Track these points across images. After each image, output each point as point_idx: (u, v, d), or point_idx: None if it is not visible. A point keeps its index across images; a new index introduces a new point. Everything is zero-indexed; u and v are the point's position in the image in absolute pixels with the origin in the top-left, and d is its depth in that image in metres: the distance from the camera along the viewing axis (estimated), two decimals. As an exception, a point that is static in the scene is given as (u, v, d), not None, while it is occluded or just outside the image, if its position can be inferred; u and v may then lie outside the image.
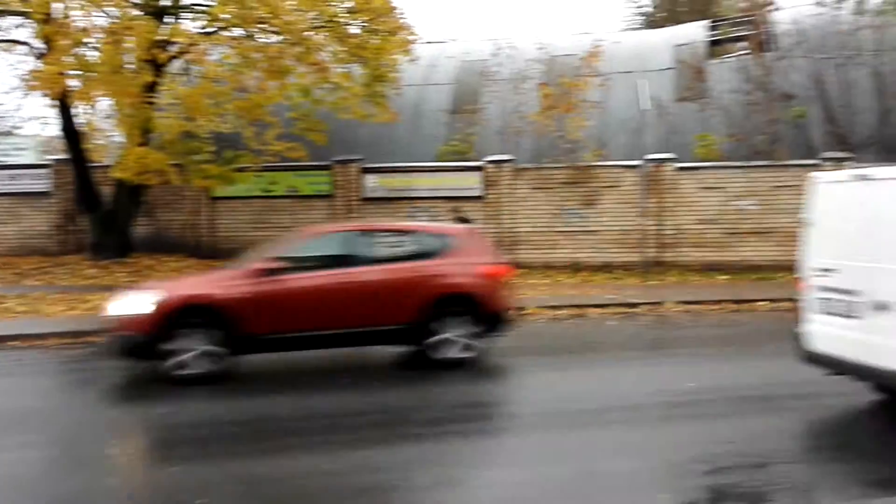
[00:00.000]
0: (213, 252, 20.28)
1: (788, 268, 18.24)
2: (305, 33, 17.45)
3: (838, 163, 18.43)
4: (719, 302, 15.53)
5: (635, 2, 42.98)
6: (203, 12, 18.39)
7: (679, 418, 8.27)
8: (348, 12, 18.74)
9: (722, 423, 8.03)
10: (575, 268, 19.45)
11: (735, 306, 15.31)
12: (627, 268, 19.25)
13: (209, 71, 17.40)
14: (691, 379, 9.72)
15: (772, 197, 18.85)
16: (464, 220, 17.82)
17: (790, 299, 15.14)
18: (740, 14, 22.74)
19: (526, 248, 19.95)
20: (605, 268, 19.40)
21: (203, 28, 18.24)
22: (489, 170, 20.23)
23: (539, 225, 20.04)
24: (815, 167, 18.55)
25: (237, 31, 17.84)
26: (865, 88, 20.30)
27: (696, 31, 23.70)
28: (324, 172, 20.85)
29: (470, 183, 20.34)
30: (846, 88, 20.30)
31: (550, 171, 19.98)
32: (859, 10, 20.22)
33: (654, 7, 38.79)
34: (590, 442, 7.49)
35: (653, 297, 16.09)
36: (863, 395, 8.56)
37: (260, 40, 17.80)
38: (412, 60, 19.71)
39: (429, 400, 9.15)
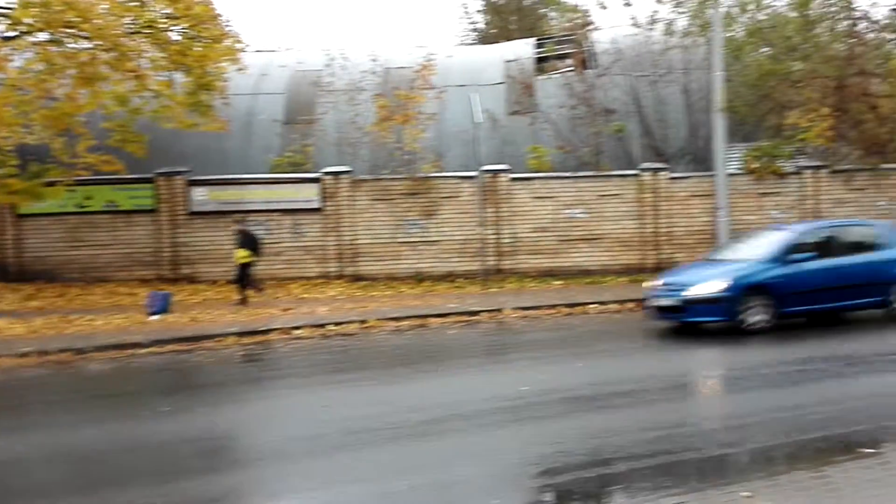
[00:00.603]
0: (20, 274, 18.86)
1: (616, 271, 19.46)
2: (121, 39, 16.52)
3: (655, 173, 19.74)
4: (554, 306, 16.13)
5: (469, 18, 44.08)
6: (3, 15, 17.03)
7: (513, 422, 8.41)
8: (168, 18, 17.99)
9: (552, 423, 8.23)
10: (418, 278, 19.59)
11: (568, 310, 15.95)
12: (469, 276, 19.60)
13: (11, 78, 16.10)
14: (525, 382, 9.91)
15: (598, 205, 19.86)
16: (245, 234, 17.42)
17: (618, 301, 16.24)
18: (564, 33, 23.81)
19: (368, 260, 19.89)
20: (448, 277, 19.68)
21: (4, 32, 16.91)
22: (327, 181, 20.03)
23: (380, 236, 20.04)
24: (634, 177, 19.80)
25: (43, 36, 16.63)
26: (677, 104, 21.82)
27: (524, 48, 24.59)
28: (146, 186, 19.85)
29: (307, 195, 20.04)
30: (660, 104, 21.75)
31: (389, 183, 20.04)
32: (669, 32, 21.70)
33: (487, 23, 39.92)
34: (427, 452, 7.46)
35: (493, 304, 16.50)
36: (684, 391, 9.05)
37: (70, 46, 16.67)
38: (240, 69, 19.18)
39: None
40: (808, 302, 12.96)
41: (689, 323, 13.10)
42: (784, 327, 12.77)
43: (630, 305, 15.98)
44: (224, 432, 8.60)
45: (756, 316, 12.66)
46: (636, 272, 19.30)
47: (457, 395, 9.57)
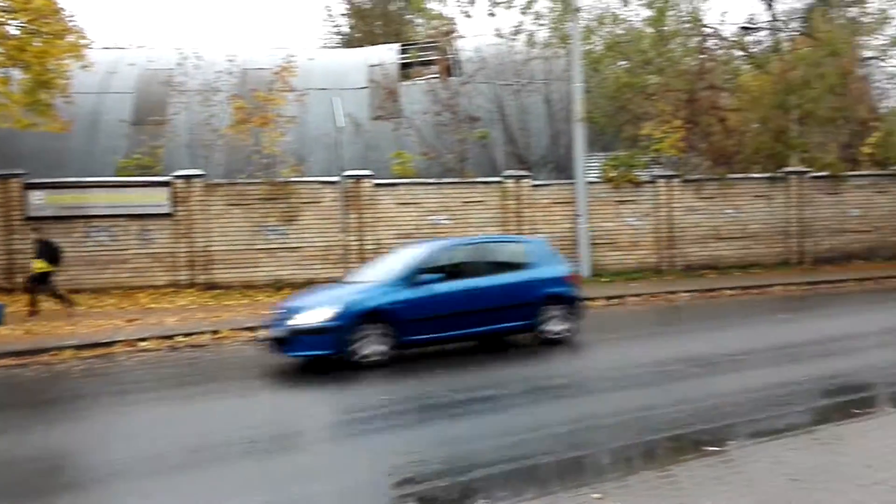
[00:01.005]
0: None
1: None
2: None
3: (518, 180, 19.87)
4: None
5: (332, 21, 43.40)
6: None
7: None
8: (4, 12, 16.56)
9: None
10: (277, 286, 18.76)
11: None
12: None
13: None
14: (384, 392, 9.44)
15: (463, 211, 19.73)
16: (44, 244, 16.19)
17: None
18: (429, 40, 23.72)
19: (223, 268, 18.89)
20: (309, 285, 18.90)
21: None
22: (178, 185, 18.89)
23: (236, 243, 19.09)
24: (498, 184, 19.84)
25: None
26: (539, 113, 22.13)
27: (389, 54, 24.32)
28: (-22, 188, 18.11)
29: (156, 199, 18.82)
30: (523, 113, 21.98)
31: (246, 187, 19.15)
32: (531, 43, 22.01)
33: (351, 28, 39.44)
34: (274, 469, 6.92)
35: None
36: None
37: None
38: (85, 66, 17.88)
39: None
40: (436, 329, 11.17)
41: (303, 356, 11.04)
42: (407, 359, 11.01)
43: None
44: (61, 451, 7.68)
45: (370, 347, 10.69)
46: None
47: (309, 409, 9.05)
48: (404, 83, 23.00)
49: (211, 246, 18.91)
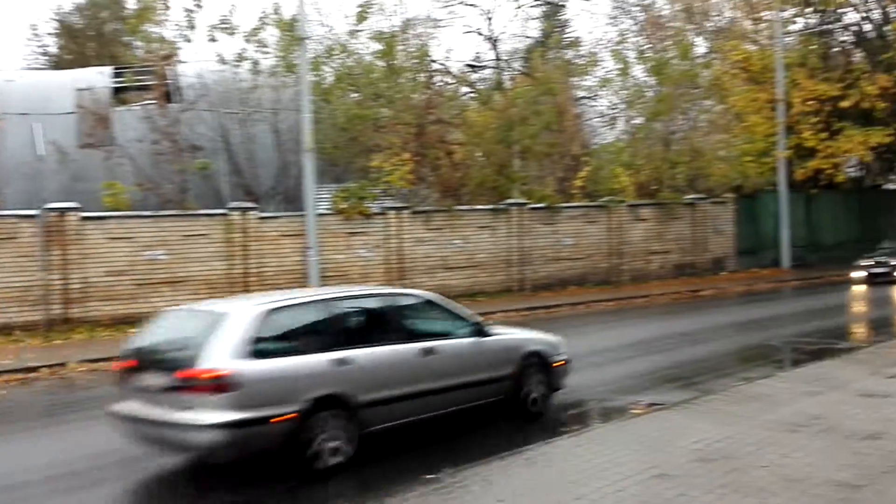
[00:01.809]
0: None
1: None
2: None
3: (244, 212, 18.97)
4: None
5: (38, 41, 39.58)
6: None
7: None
8: None
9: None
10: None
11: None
12: (29, 328, 16.76)
13: None
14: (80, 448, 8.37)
15: (183, 246, 18.40)
16: None
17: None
18: (145, 63, 22.20)
19: None
20: (4, 329, 16.62)
21: None
22: None
23: None
24: (222, 216, 18.83)
25: None
26: (267, 143, 21.45)
27: (100, 77, 22.45)
28: None
29: None
30: (249, 142, 21.19)
31: (-80, 222, 16.51)
32: (255, 70, 21.32)
33: (60, 48, 36.21)
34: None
35: (56, 357, 14.30)
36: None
37: None
38: None
39: None
40: None
41: None
42: None
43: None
44: None
45: None
46: (225, 315, 18.23)
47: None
48: (118, 109, 21.32)
49: None
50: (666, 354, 13.19)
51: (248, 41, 21.14)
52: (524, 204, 23.35)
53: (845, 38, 33.58)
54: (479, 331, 8.96)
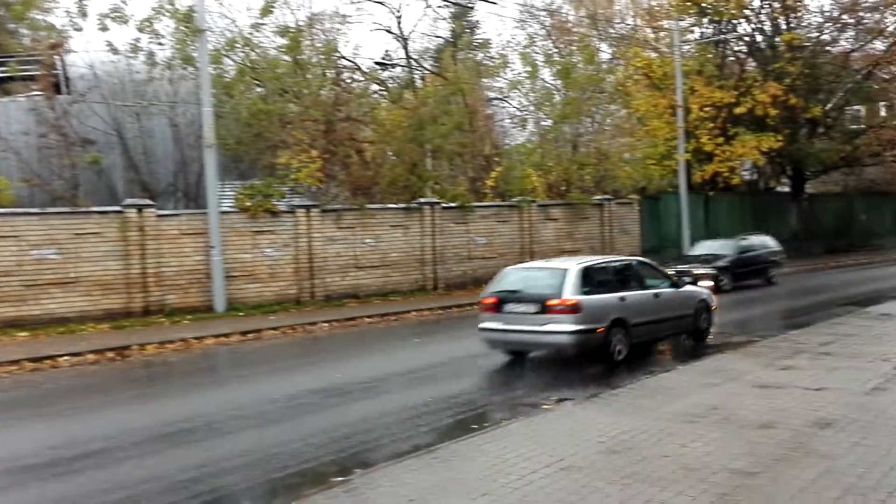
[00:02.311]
0: None
1: (98, 318, 17.01)
2: None
3: (141, 210, 17.87)
4: (17, 362, 13.27)
5: None
6: None
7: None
8: None
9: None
10: None
11: (34, 365, 13.23)
12: None
13: None
14: None
15: (75, 245, 17.15)
16: None
17: (95, 351, 14.00)
18: (31, 53, 20.76)
19: None
20: None
21: None
22: None
23: None
24: (118, 214, 17.71)
25: None
26: (165, 137, 20.41)
27: (-19, 67, 20.90)
28: None
29: None
30: (146, 136, 20.11)
31: None
32: (151, 62, 20.22)
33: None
34: None
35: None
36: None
37: None
38: None
39: None
40: None
41: None
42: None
43: (110, 354, 13.94)
44: None
45: None
46: (121, 317, 17.10)
47: None
48: (1, 100, 19.88)
49: None
50: None
51: (142, 31, 19.98)
52: (437, 203, 22.99)
53: (739, 48, 34.86)
54: (675, 284, 13.61)
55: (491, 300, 12.18)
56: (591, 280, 12.04)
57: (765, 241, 25.33)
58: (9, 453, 8.07)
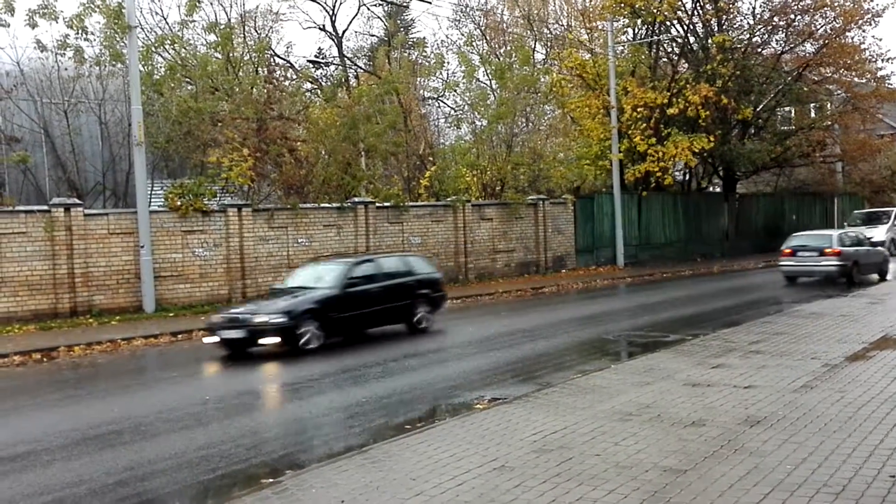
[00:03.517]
0: None
1: (24, 319, 16.71)
2: None
3: (68, 209, 17.59)
4: (-64, 366, 12.98)
5: None
6: None
7: None
8: None
9: None
10: None
11: (-45, 368, 12.96)
12: None
13: None
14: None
15: (0, 244, 16.83)
16: None
17: (21, 353, 13.76)
18: (-48, 47, 20.20)
19: None
20: None
21: None
22: None
23: None
24: (44, 213, 17.40)
25: None
26: (94, 136, 20.09)
27: None
28: None
29: None
30: (73, 134, 19.76)
31: None
32: (80, 59, 19.88)
33: None
34: None
35: None
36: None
37: None
38: None
39: None
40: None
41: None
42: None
43: (36, 356, 13.74)
44: None
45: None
46: (49, 318, 16.84)
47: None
48: None
49: None
50: (509, 350, 13.34)
51: (70, 27, 19.63)
52: (371, 202, 23.07)
53: (672, 49, 35.48)
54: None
55: (786, 251, 23.27)
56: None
57: (410, 263, 16.84)
58: None
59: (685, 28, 33.77)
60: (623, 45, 32.72)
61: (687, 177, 38.16)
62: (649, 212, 32.62)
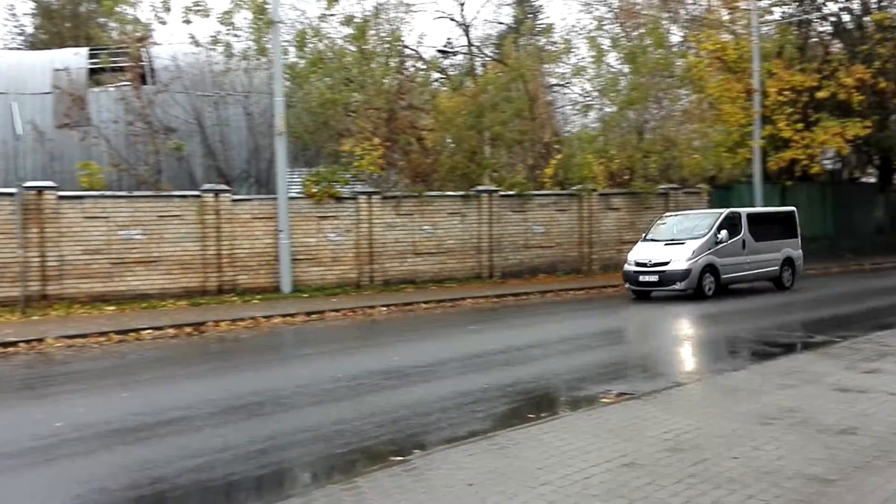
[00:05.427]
0: None
1: (176, 295, 18.57)
2: None
3: (217, 194, 19.32)
4: (105, 334, 14.73)
5: (15, 20, 39.44)
6: None
7: (44, 462, 7.36)
8: None
9: (87, 460, 7.42)
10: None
11: (120, 337, 14.68)
12: (7, 304, 17.12)
13: None
14: (61, 417, 8.78)
15: (157, 226, 18.77)
16: None
17: (175, 326, 15.40)
18: (121, 45, 22.36)
19: None
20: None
21: None
22: None
23: None
24: (196, 198, 19.18)
25: None
26: (240, 126, 21.74)
27: (76, 58, 22.64)
28: None
29: None
30: (223, 125, 21.46)
31: None
32: (229, 54, 21.55)
33: (37, 28, 36.08)
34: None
35: (33, 333, 14.57)
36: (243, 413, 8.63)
37: None
38: None
39: None
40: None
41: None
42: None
43: (188, 330, 15.30)
44: None
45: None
46: (198, 295, 18.65)
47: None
48: (94, 90, 21.52)
49: None
50: (635, 344, 13.22)
51: (221, 24, 21.35)
52: (495, 191, 23.66)
53: (824, 28, 33.07)
54: None
55: None
56: None
57: None
58: (97, 418, 8.76)
59: (839, 5, 31.45)
60: (769, 25, 30.97)
61: (838, 166, 35.90)
62: (793, 203, 30.60)
